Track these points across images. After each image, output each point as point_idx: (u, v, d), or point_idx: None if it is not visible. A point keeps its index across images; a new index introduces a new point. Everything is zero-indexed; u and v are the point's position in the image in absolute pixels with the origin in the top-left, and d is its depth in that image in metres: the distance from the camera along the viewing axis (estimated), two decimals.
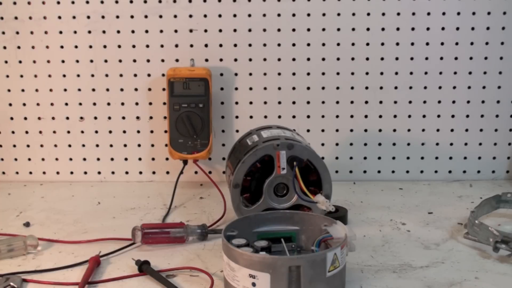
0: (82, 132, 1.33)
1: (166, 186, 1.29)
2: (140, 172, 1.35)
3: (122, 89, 1.31)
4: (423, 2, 1.25)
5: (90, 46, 1.29)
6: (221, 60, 1.29)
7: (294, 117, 1.31)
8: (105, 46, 1.29)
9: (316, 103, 1.30)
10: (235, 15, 1.27)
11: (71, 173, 1.35)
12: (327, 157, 1.31)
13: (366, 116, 1.31)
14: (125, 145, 1.33)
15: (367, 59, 1.28)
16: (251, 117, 1.31)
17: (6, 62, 1.30)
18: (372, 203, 1.19)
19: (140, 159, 1.34)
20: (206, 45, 1.29)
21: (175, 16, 1.28)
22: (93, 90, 1.31)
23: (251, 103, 1.31)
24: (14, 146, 1.34)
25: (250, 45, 1.28)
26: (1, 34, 1.29)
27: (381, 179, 1.33)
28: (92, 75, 1.31)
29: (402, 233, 1.03)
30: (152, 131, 1.32)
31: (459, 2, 1.25)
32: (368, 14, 1.26)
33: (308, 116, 1.31)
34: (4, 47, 1.30)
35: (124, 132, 1.33)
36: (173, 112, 1.24)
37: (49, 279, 0.86)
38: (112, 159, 1.34)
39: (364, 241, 0.99)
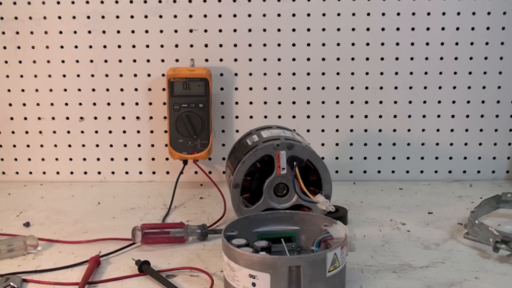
0: (82, 132, 1.33)
1: (166, 186, 1.29)
2: (140, 172, 1.35)
3: (122, 89, 1.31)
4: (423, 2, 1.25)
5: (90, 46, 1.29)
6: (221, 60, 1.29)
7: (294, 117, 1.31)
8: (105, 46, 1.29)
9: (316, 103, 1.30)
10: (235, 15, 1.27)
11: (71, 173, 1.35)
12: (327, 157, 1.31)
13: (366, 116, 1.31)
14: (125, 145, 1.33)
15: (367, 59, 1.28)
16: (251, 117, 1.31)
17: (6, 62, 1.30)
18: (372, 203, 1.19)
19: (140, 159, 1.34)
20: (206, 45, 1.29)
21: (175, 16, 1.28)
22: (93, 90, 1.31)
23: (251, 103, 1.31)
24: (14, 146, 1.34)
25: (250, 45, 1.28)
26: (1, 34, 1.29)
27: (381, 179, 1.33)
28: (92, 75, 1.31)
29: (402, 233, 1.03)
30: (152, 131, 1.32)
31: (459, 2, 1.25)
32: (368, 14, 1.26)
33: (308, 116, 1.31)
34: (4, 47, 1.30)
35: (124, 132, 1.33)
36: (173, 112, 1.24)
37: (49, 279, 0.86)
38: (112, 159, 1.34)
39: (364, 241, 0.99)
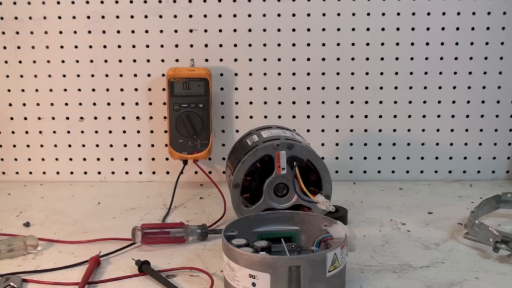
0: (82, 132, 1.33)
1: (166, 186, 1.29)
2: (140, 172, 1.35)
3: (122, 89, 1.31)
4: (423, 2, 1.25)
5: (90, 46, 1.29)
6: (221, 60, 1.29)
7: (294, 117, 1.31)
8: (105, 46, 1.29)
9: (316, 103, 1.30)
10: (235, 15, 1.27)
11: (71, 173, 1.35)
12: (327, 157, 1.31)
13: (366, 116, 1.31)
14: (125, 145, 1.33)
15: (367, 59, 1.28)
16: (251, 117, 1.31)
17: (6, 62, 1.30)
18: (372, 203, 1.19)
19: (140, 159, 1.34)
20: (206, 45, 1.29)
21: (175, 16, 1.28)
22: (93, 90, 1.31)
23: (251, 103, 1.31)
24: (14, 146, 1.34)
25: (250, 45, 1.28)
26: (1, 34, 1.29)
27: (381, 179, 1.33)
28: (92, 75, 1.31)
29: (402, 233, 1.03)
30: (152, 131, 1.32)
31: (459, 2, 1.25)
32: (368, 14, 1.26)
33: (308, 116, 1.31)
34: (4, 47, 1.30)
35: (124, 132, 1.33)
36: (173, 112, 1.24)
37: (49, 279, 0.86)
38: (112, 159, 1.34)
39: (364, 241, 0.99)
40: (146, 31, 1.28)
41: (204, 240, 1.00)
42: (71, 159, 1.34)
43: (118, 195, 1.26)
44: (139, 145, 1.33)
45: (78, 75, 1.31)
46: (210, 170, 1.33)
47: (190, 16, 1.28)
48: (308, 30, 1.27)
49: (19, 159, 1.35)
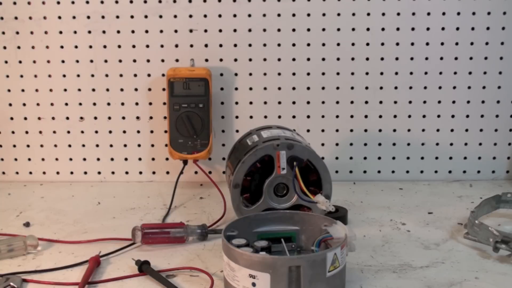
0: (82, 132, 1.33)
1: (166, 186, 1.29)
2: (140, 172, 1.35)
3: (122, 89, 1.31)
4: (423, 2, 1.25)
5: (90, 46, 1.29)
6: (221, 60, 1.29)
7: (294, 117, 1.31)
8: (105, 46, 1.29)
9: (316, 103, 1.30)
10: (235, 15, 1.27)
11: (71, 173, 1.35)
12: (327, 157, 1.31)
13: (366, 116, 1.31)
14: (125, 145, 1.33)
15: (367, 59, 1.28)
16: (251, 117, 1.31)
17: (6, 62, 1.30)
18: (372, 203, 1.19)
19: (140, 159, 1.34)
20: (206, 45, 1.29)
21: (175, 16, 1.28)
22: (93, 90, 1.31)
23: (251, 103, 1.31)
24: (14, 146, 1.34)
25: (250, 45, 1.28)
26: (1, 34, 1.29)
27: (381, 179, 1.33)
28: (92, 75, 1.31)
29: (402, 233, 1.03)
30: (152, 131, 1.32)
31: (459, 2, 1.25)
32: (368, 14, 1.26)
33: (308, 116, 1.31)
34: (4, 47, 1.30)
35: (124, 132, 1.33)
36: (173, 112, 1.24)
37: (49, 279, 0.86)
38: (112, 159, 1.34)
39: (364, 241, 0.99)
40: (146, 31, 1.28)
41: (204, 240, 1.00)
42: (71, 159, 1.34)
43: (118, 195, 1.26)
44: (139, 145, 1.33)
45: (78, 75, 1.31)
46: (210, 170, 1.33)
47: (190, 16, 1.28)
48: (308, 30, 1.27)
49: (19, 159, 1.35)
